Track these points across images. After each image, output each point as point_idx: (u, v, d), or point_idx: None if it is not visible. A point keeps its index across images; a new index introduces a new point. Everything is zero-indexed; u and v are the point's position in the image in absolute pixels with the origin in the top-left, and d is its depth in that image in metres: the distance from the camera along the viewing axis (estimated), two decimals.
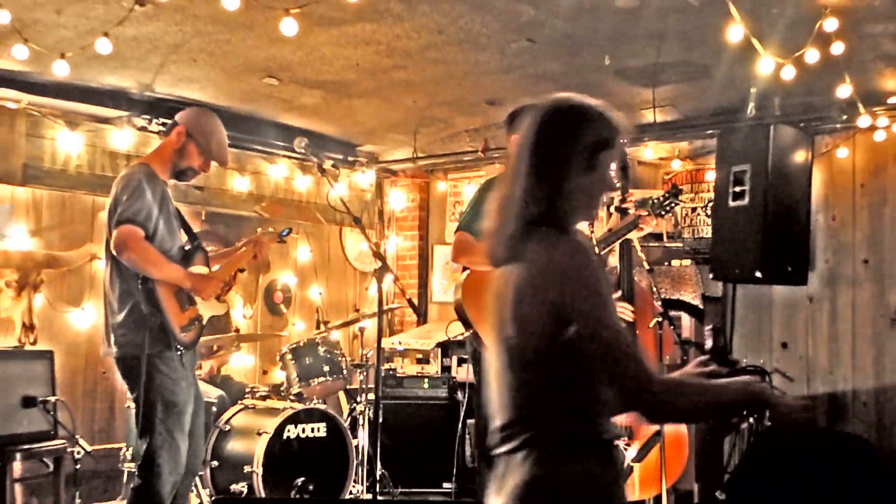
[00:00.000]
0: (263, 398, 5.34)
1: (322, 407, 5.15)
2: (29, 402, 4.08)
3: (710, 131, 5.73)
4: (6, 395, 4.02)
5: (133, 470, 4.86)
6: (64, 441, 4.28)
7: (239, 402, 5.29)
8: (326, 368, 5.46)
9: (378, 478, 4.87)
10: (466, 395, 5.68)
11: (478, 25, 4.27)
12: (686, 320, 5.76)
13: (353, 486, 5.16)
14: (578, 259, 1.82)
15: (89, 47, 4.12)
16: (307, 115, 6.09)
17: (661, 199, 4.17)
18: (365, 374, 5.55)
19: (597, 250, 3.69)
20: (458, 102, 5.71)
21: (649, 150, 6.09)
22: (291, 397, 5.29)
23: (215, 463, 4.94)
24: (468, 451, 5.68)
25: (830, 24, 3.89)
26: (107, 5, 4.00)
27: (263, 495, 4.69)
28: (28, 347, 5.33)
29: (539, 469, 1.80)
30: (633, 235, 4.12)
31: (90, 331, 5.67)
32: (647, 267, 4.51)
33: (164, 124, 4.97)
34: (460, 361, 6.23)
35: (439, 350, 6.43)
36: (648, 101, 5.36)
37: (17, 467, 4.36)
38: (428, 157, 7.09)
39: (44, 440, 4.18)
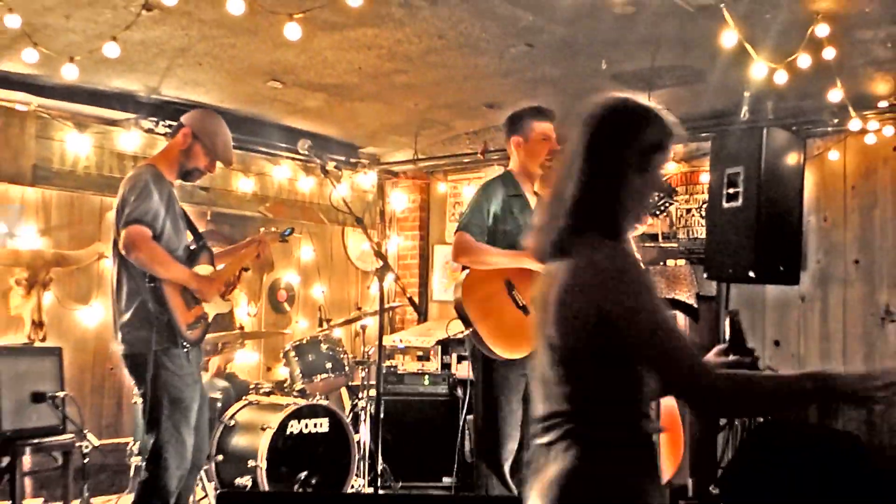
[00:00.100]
0: (267, 394, 5.34)
1: (324, 403, 5.15)
2: (38, 397, 4.08)
3: (705, 134, 5.72)
4: (16, 390, 4.02)
5: (140, 464, 4.87)
6: (72, 435, 4.28)
7: (243, 398, 5.30)
8: (329, 365, 5.46)
9: (379, 472, 4.87)
10: (466, 392, 5.69)
11: (477, 30, 4.27)
12: (681, 319, 5.77)
13: (355, 481, 5.16)
14: (621, 262, 1.79)
15: (97, 51, 4.12)
16: (310, 118, 6.09)
17: (656, 199, 4.17)
18: (366, 370, 5.56)
19: None
20: (458, 105, 5.72)
21: None
22: (295, 393, 5.29)
23: (220, 457, 4.94)
24: (468, 447, 5.68)
25: (822, 30, 3.90)
26: (115, 10, 4.00)
27: (267, 489, 4.69)
28: (37, 344, 5.34)
29: (579, 461, 1.78)
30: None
31: (98, 328, 5.68)
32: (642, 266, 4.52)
33: (170, 126, 4.97)
34: (460, 359, 6.23)
35: (439, 347, 6.42)
36: None
37: (27, 461, 4.37)
38: (428, 158, 7.10)
39: (53, 435, 4.18)
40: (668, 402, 4.82)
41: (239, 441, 4.96)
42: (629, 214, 1.89)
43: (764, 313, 5.72)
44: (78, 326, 5.69)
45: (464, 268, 3.92)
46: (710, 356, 2.03)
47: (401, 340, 6.64)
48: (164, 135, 5.57)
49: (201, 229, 4.17)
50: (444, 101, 5.64)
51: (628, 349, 1.75)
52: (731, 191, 4.90)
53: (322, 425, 5.04)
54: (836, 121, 5.19)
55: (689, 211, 6.11)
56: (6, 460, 4.03)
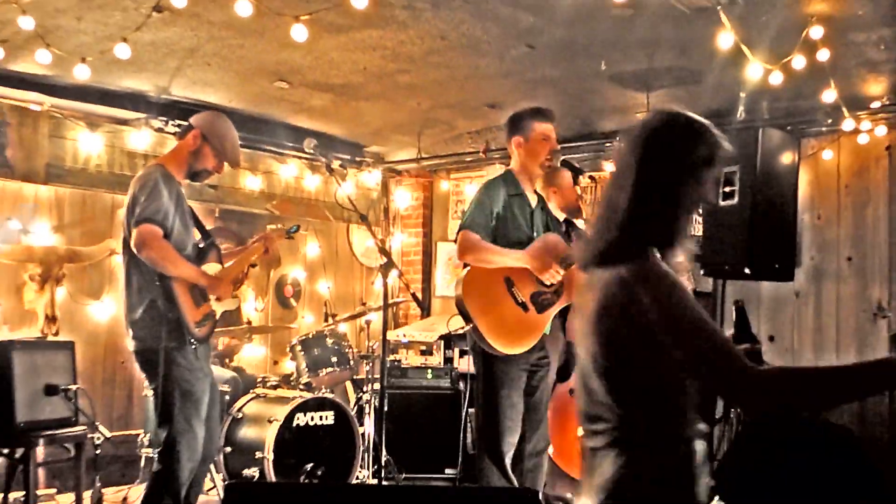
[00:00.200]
0: (274, 387, 5.35)
1: (330, 396, 5.16)
2: (51, 390, 4.09)
3: None
4: (30, 383, 4.03)
5: (150, 455, 4.89)
6: (84, 427, 4.29)
7: (251, 391, 5.30)
8: (334, 359, 5.47)
9: (383, 463, 4.87)
10: (468, 386, 5.69)
11: (479, 32, 4.27)
12: None
13: (360, 472, 5.18)
14: (659, 271, 1.77)
15: (109, 52, 4.13)
16: (316, 117, 6.09)
17: None
18: (371, 364, 5.56)
19: None
20: (461, 105, 5.71)
21: None
22: (301, 387, 5.30)
23: (228, 449, 4.95)
24: (469, 439, 5.68)
25: (816, 32, 3.89)
26: (125, 12, 4.00)
27: (274, 480, 4.70)
28: (50, 338, 5.35)
29: (626, 469, 1.79)
30: None
31: (109, 322, 5.69)
32: None
33: (179, 126, 4.97)
34: (462, 353, 6.23)
35: (442, 342, 6.43)
36: (643, 105, 5.36)
37: (40, 452, 4.38)
38: (431, 157, 7.10)
39: (65, 426, 4.18)
40: None
41: (246, 433, 4.97)
42: (680, 228, 1.87)
43: (759, 309, 5.72)
44: (90, 321, 5.70)
45: (465, 265, 3.91)
46: None
47: (404, 335, 6.65)
48: (174, 134, 5.57)
49: (209, 226, 4.17)
50: (447, 101, 5.63)
51: (670, 356, 1.72)
52: (727, 189, 4.89)
53: (327, 418, 5.04)
54: (829, 121, 5.18)
55: None
56: (20, 451, 4.04)
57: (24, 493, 4.05)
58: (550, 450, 4.27)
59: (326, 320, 5.88)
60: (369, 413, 5.36)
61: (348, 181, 7.08)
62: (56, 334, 5.42)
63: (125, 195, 3.65)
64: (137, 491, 4.88)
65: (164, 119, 5.71)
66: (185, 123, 3.86)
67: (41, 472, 4.90)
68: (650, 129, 1.90)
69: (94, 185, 5.73)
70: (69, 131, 5.61)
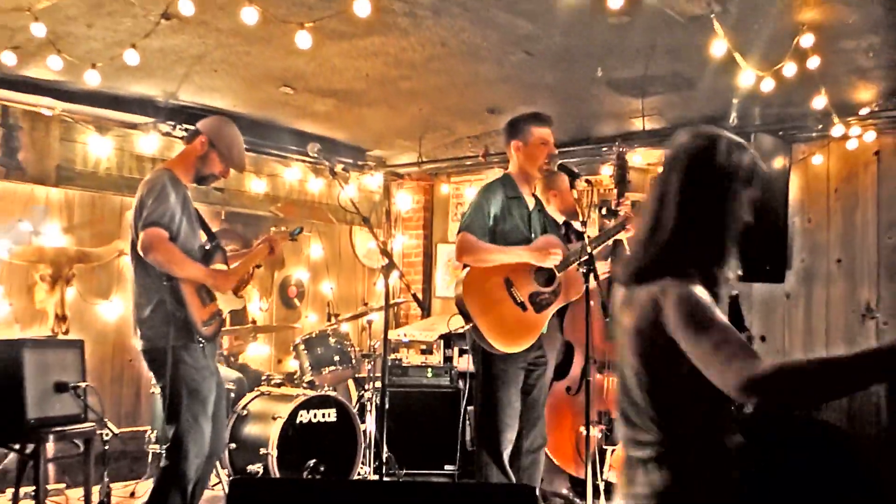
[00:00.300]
0: (278, 385, 5.35)
1: (332, 394, 5.16)
2: (61, 387, 4.08)
3: None
4: (41, 380, 4.03)
5: (158, 451, 4.89)
6: (93, 424, 4.28)
7: (255, 388, 5.30)
8: (337, 358, 5.47)
9: (384, 460, 4.87)
10: (467, 384, 5.69)
11: (478, 39, 4.27)
12: None
13: (361, 468, 5.17)
14: (685, 285, 1.76)
15: (118, 58, 4.13)
16: (320, 122, 6.09)
17: None
18: (372, 363, 5.56)
19: (588, 249, 3.70)
20: (461, 110, 5.71)
21: (638, 156, 6.08)
22: (304, 385, 5.29)
23: (233, 445, 4.95)
24: (468, 436, 5.68)
25: (807, 40, 3.90)
26: (134, 19, 4.01)
27: (278, 475, 4.70)
28: (60, 337, 5.35)
29: (671, 479, 1.79)
30: (623, 236, 4.13)
31: (118, 321, 5.69)
32: None
33: (187, 130, 4.98)
34: (461, 352, 6.23)
35: (442, 342, 6.43)
36: (637, 111, 5.36)
37: (50, 448, 4.37)
38: (432, 161, 7.09)
39: (75, 423, 4.18)
40: None
41: (251, 430, 4.97)
42: (725, 247, 1.87)
43: (751, 310, 5.72)
44: (99, 320, 5.70)
45: (465, 266, 3.92)
46: None
47: (405, 335, 6.65)
48: (182, 138, 5.57)
49: (215, 228, 4.18)
50: (447, 107, 5.64)
51: (692, 366, 1.70)
52: None
53: (330, 415, 5.04)
54: (820, 127, 5.18)
55: None
56: (31, 447, 4.03)
57: (34, 487, 4.04)
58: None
59: (329, 320, 5.88)
60: (371, 411, 5.36)
61: (351, 184, 7.08)
62: (66, 333, 5.42)
63: (134, 198, 3.66)
64: (145, 486, 4.89)
65: (172, 123, 5.71)
66: (193, 128, 3.87)
67: (51, 467, 4.90)
68: (692, 150, 1.90)
69: (103, 188, 5.74)
70: (79, 135, 5.61)
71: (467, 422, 5.65)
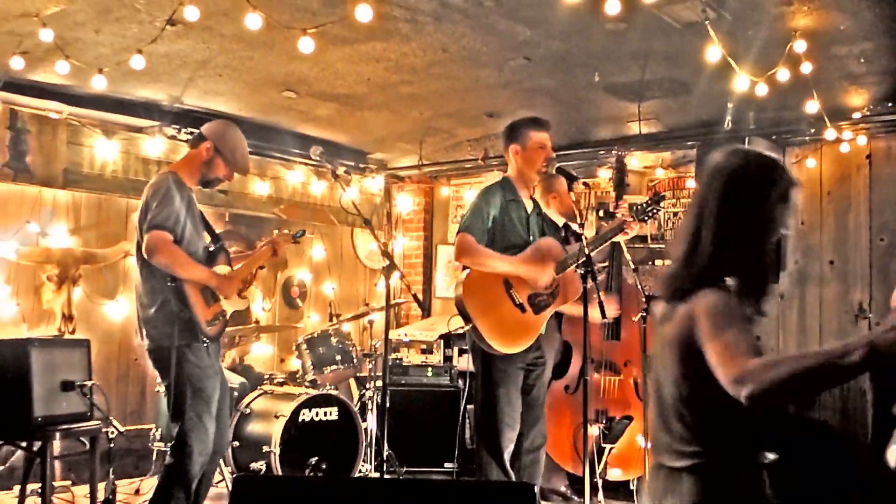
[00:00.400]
0: (280, 384, 5.35)
1: (334, 393, 5.16)
2: (68, 386, 4.08)
3: (691, 142, 5.73)
4: (47, 379, 4.02)
5: (162, 449, 4.89)
6: (99, 422, 4.28)
7: (258, 387, 5.30)
8: (338, 357, 5.47)
9: (385, 458, 4.88)
10: (466, 383, 5.69)
11: (478, 44, 4.27)
12: None
13: (362, 466, 5.17)
14: (718, 300, 1.78)
15: (125, 63, 4.14)
16: (322, 126, 6.10)
17: (644, 205, 4.17)
18: (373, 362, 5.56)
19: (586, 251, 3.70)
20: (461, 114, 5.72)
21: (635, 160, 6.10)
22: (306, 384, 5.29)
23: (236, 443, 4.95)
24: (468, 434, 5.69)
25: (800, 46, 3.90)
26: (141, 25, 4.01)
27: (280, 473, 4.70)
28: (67, 336, 5.35)
29: (704, 489, 1.81)
30: (620, 238, 4.13)
31: (123, 321, 5.69)
32: (632, 266, 4.53)
33: (191, 133, 4.98)
34: (461, 352, 6.23)
35: (442, 341, 6.43)
36: (634, 115, 5.37)
37: (57, 445, 4.37)
38: (432, 164, 7.10)
39: (81, 421, 4.17)
40: None
41: (254, 428, 4.97)
42: (765, 263, 1.89)
43: None
44: (105, 320, 5.70)
45: (464, 267, 3.92)
46: None
47: (406, 334, 6.65)
48: (186, 141, 5.58)
49: (219, 230, 4.18)
50: (448, 111, 5.64)
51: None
52: None
53: (332, 414, 5.04)
54: (813, 131, 5.19)
55: (676, 214, 6.11)
56: (37, 444, 4.03)
57: (40, 484, 4.04)
58: None
59: (331, 320, 5.88)
60: (372, 409, 5.36)
61: (352, 187, 7.09)
62: (72, 332, 5.43)
63: (139, 200, 3.66)
64: (150, 483, 4.88)
65: (177, 127, 5.71)
66: (197, 132, 3.86)
67: (57, 464, 4.91)
68: (730, 168, 1.92)
69: (109, 190, 5.74)
70: (86, 138, 5.62)
71: (467, 420, 5.65)
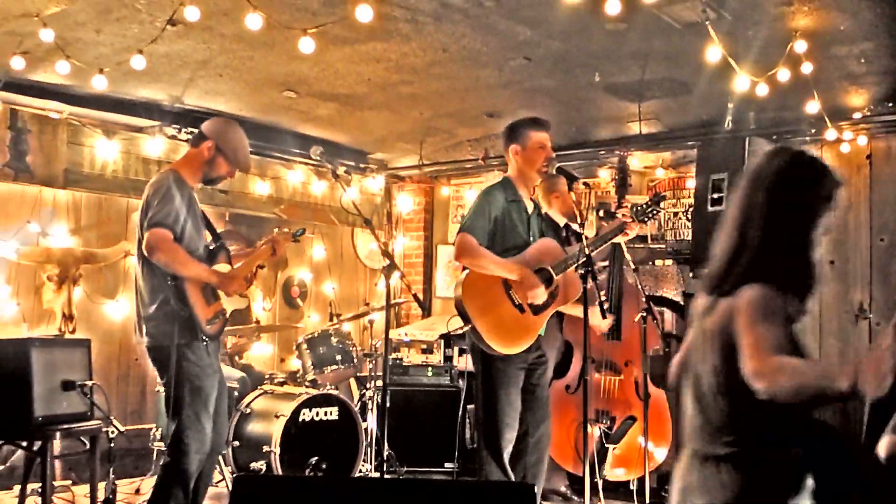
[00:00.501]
0: (281, 384, 5.35)
1: (334, 392, 5.16)
2: (68, 385, 4.08)
3: (691, 142, 5.73)
4: (48, 379, 4.02)
5: (162, 448, 4.89)
6: (99, 421, 4.28)
7: (258, 387, 5.30)
8: (339, 357, 5.47)
9: (385, 457, 4.88)
10: (466, 383, 5.69)
11: (478, 44, 4.27)
12: (668, 315, 5.77)
13: (363, 465, 5.18)
14: (762, 294, 1.82)
15: (125, 63, 4.14)
16: (322, 126, 6.10)
17: (644, 206, 4.17)
18: (374, 362, 5.57)
19: (586, 251, 3.70)
20: (461, 114, 5.72)
21: (636, 160, 6.09)
22: (306, 383, 5.30)
23: (237, 443, 4.95)
24: (468, 434, 5.69)
25: (800, 46, 3.90)
26: (141, 25, 4.01)
27: (280, 473, 4.70)
28: (68, 336, 5.36)
29: (744, 484, 1.85)
30: (620, 239, 4.13)
31: (124, 321, 5.70)
32: (632, 266, 4.53)
33: (192, 133, 4.99)
34: (461, 352, 6.23)
35: (442, 341, 6.42)
36: (634, 115, 5.37)
37: (57, 445, 4.37)
38: (433, 164, 7.10)
39: (81, 420, 4.18)
40: (656, 391, 4.83)
41: (254, 428, 4.97)
42: (808, 261, 1.93)
43: None
44: (105, 320, 5.71)
45: (464, 267, 3.92)
46: None
47: (406, 334, 6.65)
48: (187, 141, 5.58)
49: (220, 230, 4.18)
50: (448, 111, 5.64)
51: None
52: (715, 195, 4.90)
53: (332, 413, 5.04)
54: (813, 131, 5.19)
55: (676, 214, 6.11)
56: (38, 444, 4.03)
57: (41, 484, 4.04)
58: None
59: (331, 320, 5.88)
60: (372, 409, 5.37)
61: (353, 187, 7.09)
62: (73, 332, 5.43)
63: (140, 199, 3.66)
64: (150, 483, 4.88)
65: (178, 127, 5.72)
66: (198, 131, 3.86)
67: (58, 464, 4.91)
68: (778, 167, 1.96)
69: (109, 190, 5.74)
70: (87, 138, 5.62)
71: (467, 420, 5.65)
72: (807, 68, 4.04)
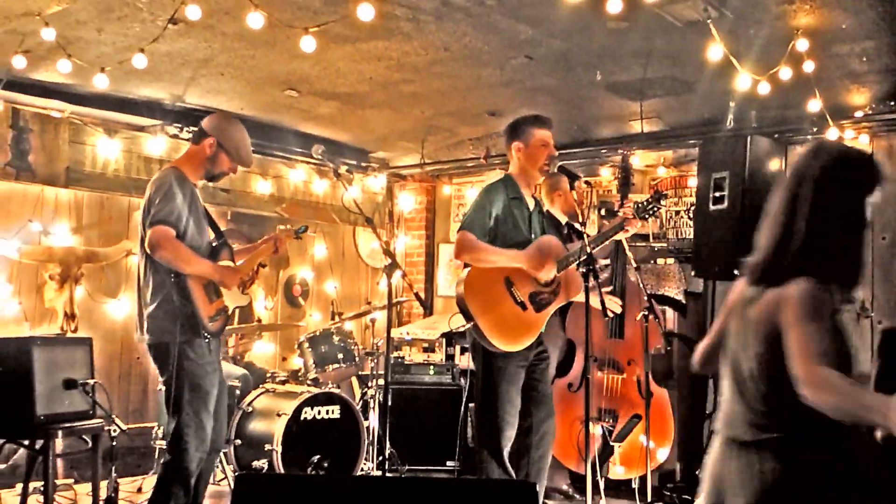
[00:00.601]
0: (283, 383, 5.35)
1: (336, 391, 5.16)
2: (70, 384, 4.09)
3: (693, 141, 5.72)
4: (50, 377, 4.03)
5: (164, 447, 4.89)
6: (101, 420, 4.29)
7: (260, 386, 5.31)
8: (340, 356, 5.48)
9: (387, 456, 4.88)
10: (468, 381, 5.70)
11: (480, 43, 4.28)
12: (670, 314, 5.77)
13: (364, 464, 5.18)
14: (812, 290, 1.87)
15: (127, 62, 4.15)
16: (324, 124, 6.10)
17: (645, 203, 4.18)
18: (375, 361, 5.57)
19: (588, 249, 3.70)
20: (462, 113, 5.72)
21: (637, 158, 6.09)
22: (308, 382, 5.30)
23: (238, 441, 4.96)
24: (470, 433, 5.69)
25: (802, 45, 3.90)
26: (143, 24, 4.02)
27: (282, 471, 4.71)
28: (69, 334, 5.37)
29: (785, 473, 1.89)
30: (621, 236, 4.13)
31: (125, 320, 5.70)
32: (634, 265, 4.53)
33: (193, 131, 4.99)
34: (463, 350, 6.23)
35: (444, 340, 6.43)
36: (636, 114, 5.37)
37: (59, 443, 4.38)
38: (434, 163, 7.10)
39: (83, 419, 4.19)
40: (658, 390, 4.83)
41: (256, 426, 4.98)
42: (858, 254, 1.97)
43: None
44: (107, 318, 5.71)
45: (466, 265, 3.92)
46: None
47: (407, 333, 6.65)
48: (188, 139, 5.59)
49: (222, 228, 4.18)
50: (449, 109, 5.64)
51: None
52: (717, 194, 4.90)
53: (334, 412, 5.05)
54: (815, 129, 5.17)
55: (677, 213, 6.11)
56: (40, 443, 4.04)
57: (43, 482, 4.05)
58: None
59: (333, 318, 5.89)
60: (374, 407, 5.37)
61: (354, 185, 7.09)
62: (75, 331, 5.44)
63: (141, 198, 3.66)
64: (151, 481, 4.88)
65: (179, 126, 5.72)
66: (198, 128, 3.86)
67: (60, 462, 4.91)
68: (824, 163, 1.99)
69: (111, 189, 5.75)
70: (88, 137, 5.63)
71: (468, 419, 5.65)
72: (808, 67, 4.03)
